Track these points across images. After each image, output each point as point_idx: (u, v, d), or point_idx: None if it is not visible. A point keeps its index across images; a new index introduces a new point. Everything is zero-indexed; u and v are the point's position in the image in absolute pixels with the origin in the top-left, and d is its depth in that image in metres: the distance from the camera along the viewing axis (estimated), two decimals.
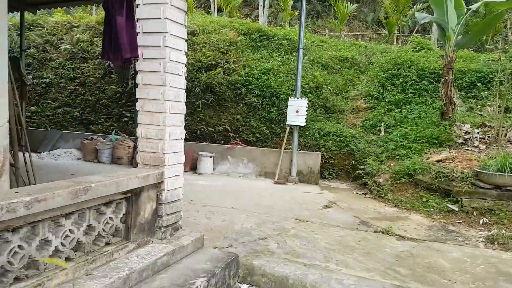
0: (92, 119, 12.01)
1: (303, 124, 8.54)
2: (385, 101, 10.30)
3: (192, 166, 9.73)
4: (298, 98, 8.55)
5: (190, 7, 17.02)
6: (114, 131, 10.87)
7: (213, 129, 10.45)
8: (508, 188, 5.57)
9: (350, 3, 15.33)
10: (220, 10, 19.60)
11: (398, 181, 7.20)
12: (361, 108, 10.49)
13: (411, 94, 10.18)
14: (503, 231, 5.10)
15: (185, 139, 10.33)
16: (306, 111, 8.60)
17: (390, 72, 10.93)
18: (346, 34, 16.82)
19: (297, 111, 8.48)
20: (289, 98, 8.64)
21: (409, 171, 7.10)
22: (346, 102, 10.68)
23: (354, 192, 7.92)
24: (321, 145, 9.35)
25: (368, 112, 10.24)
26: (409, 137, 8.53)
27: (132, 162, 9.90)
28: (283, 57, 11.91)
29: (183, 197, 4.45)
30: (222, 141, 10.25)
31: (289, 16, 16.09)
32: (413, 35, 15.77)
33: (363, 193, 7.79)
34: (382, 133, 9.45)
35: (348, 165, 9.14)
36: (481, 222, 5.51)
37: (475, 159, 6.60)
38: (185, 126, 10.62)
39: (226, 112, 10.75)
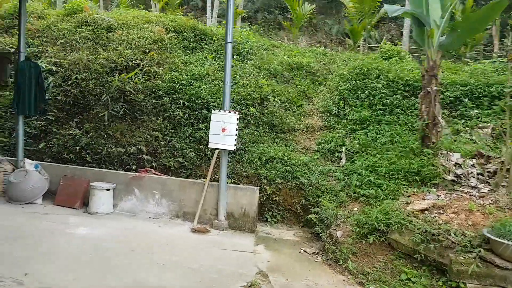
0: None
1: (232, 148, 6.03)
2: (347, 119, 8.04)
3: (86, 201, 6.96)
4: (225, 111, 6.06)
5: (124, 2, 14.43)
6: None
7: (123, 150, 7.74)
8: None
9: (308, 4, 13.24)
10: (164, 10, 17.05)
11: (364, 240, 4.80)
12: (316, 127, 8.17)
13: (380, 111, 7.99)
14: None
15: (79, 163, 7.51)
16: (237, 129, 6.12)
17: (353, 83, 8.73)
18: (304, 40, 14.70)
19: (223, 130, 5.98)
20: (212, 111, 6.11)
21: (380, 225, 4.72)
22: (299, 119, 8.32)
23: (302, 250, 5.44)
24: (262, 175, 6.87)
25: (325, 133, 7.92)
26: (379, 169, 6.22)
27: (5, 195, 7.03)
28: (222, 61, 9.46)
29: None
30: (134, 166, 7.56)
31: (237, 15, 13.78)
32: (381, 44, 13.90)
33: (314, 253, 5.34)
34: (343, 161, 7.13)
35: (297, 205, 6.70)
36: None
37: (477, 210, 4.33)
38: (87, 145, 7.69)
39: (143, 127, 8.10)
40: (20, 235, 5.18)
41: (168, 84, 8.38)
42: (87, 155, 7.81)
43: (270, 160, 7.08)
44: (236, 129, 6.00)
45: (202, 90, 8.26)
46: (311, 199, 6.46)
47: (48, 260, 4.37)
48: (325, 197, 6.26)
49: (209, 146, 6.13)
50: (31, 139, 8.52)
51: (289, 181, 6.74)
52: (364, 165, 6.54)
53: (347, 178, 6.53)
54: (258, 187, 6.43)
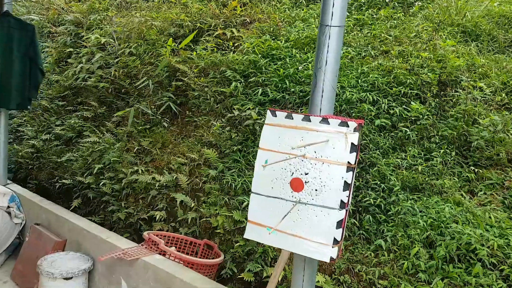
0: None
1: (328, 256, 1.58)
2: None
3: None
4: (314, 115, 1.65)
5: None
6: None
7: (153, 178, 4.14)
8: None
9: None
10: None
11: None
12: None
13: None
14: None
15: (98, 192, 4.64)
16: (352, 182, 1.80)
17: None
18: None
19: (296, 182, 1.58)
20: (267, 114, 1.73)
21: None
22: None
23: None
24: (427, 282, 2.24)
25: None
26: None
27: None
28: (363, 14, 4.97)
29: None
30: (161, 213, 3.89)
31: None
32: None
33: None
34: None
35: None
36: None
37: None
38: (110, 164, 4.30)
39: (193, 137, 4.36)
40: None
41: (247, 58, 4.40)
42: (105, 181, 4.52)
43: (462, 252, 2.36)
44: (347, 183, 1.52)
45: (308, 67, 4.02)
46: None
47: None
48: None
49: (245, 236, 1.81)
50: (65, 145, 5.80)
51: None
52: None
53: None
54: None
